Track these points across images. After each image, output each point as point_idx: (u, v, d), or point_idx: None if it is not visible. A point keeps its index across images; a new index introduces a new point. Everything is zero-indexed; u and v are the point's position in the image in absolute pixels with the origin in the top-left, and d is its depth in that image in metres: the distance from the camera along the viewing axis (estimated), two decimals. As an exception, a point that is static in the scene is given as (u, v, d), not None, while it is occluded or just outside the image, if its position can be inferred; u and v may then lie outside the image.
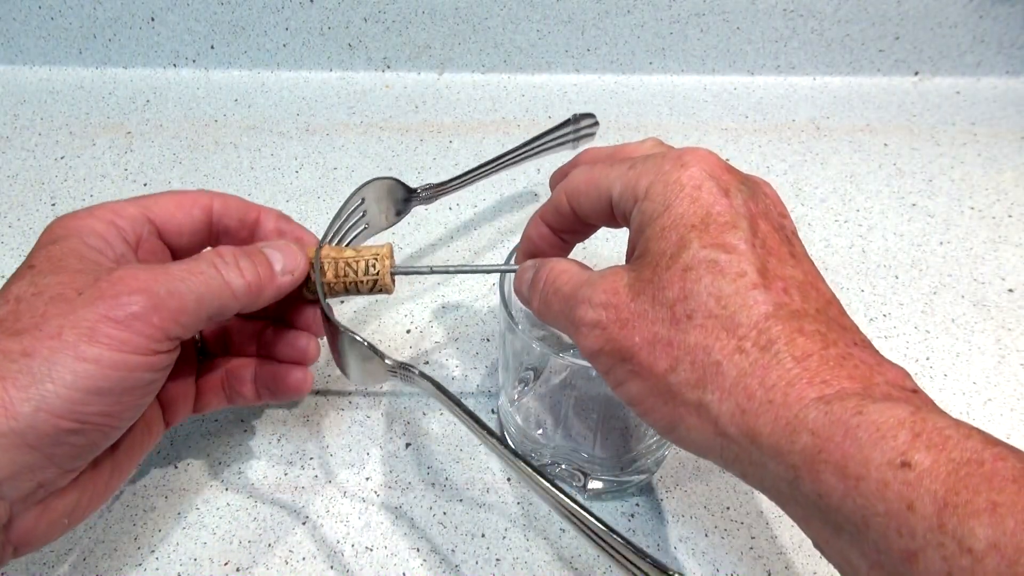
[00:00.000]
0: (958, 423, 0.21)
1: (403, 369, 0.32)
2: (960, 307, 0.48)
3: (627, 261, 0.28)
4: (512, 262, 0.37)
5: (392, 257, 0.34)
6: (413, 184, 0.43)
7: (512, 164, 0.49)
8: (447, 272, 0.37)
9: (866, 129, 0.64)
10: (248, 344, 0.37)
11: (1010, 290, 0.50)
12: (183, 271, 0.28)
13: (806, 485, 0.22)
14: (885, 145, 0.62)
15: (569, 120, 0.51)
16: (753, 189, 0.27)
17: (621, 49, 0.67)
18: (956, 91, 0.68)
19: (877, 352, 0.24)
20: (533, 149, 0.50)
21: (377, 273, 0.33)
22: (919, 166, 0.60)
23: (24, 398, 0.24)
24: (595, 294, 0.26)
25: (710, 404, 0.24)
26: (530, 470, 0.28)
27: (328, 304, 0.33)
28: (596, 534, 0.26)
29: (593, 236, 0.34)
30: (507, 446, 0.29)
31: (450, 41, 0.66)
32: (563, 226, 0.32)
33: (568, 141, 0.52)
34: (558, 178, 0.36)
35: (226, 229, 0.35)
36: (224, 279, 0.29)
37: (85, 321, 0.25)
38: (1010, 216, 0.55)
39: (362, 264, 0.34)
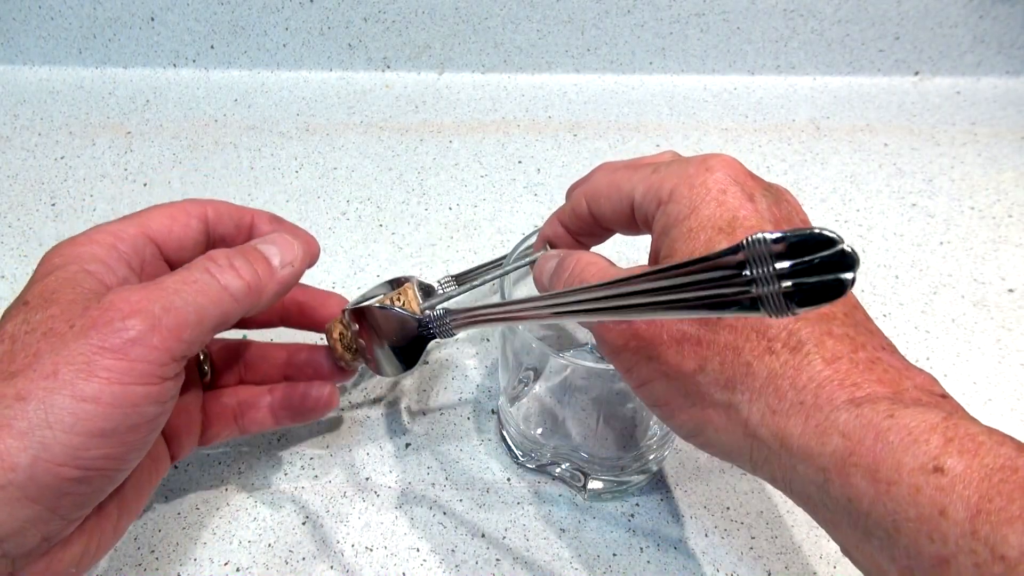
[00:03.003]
0: (990, 430, 0.21)
1: (436, 320, 0.31)
2: (960, 307, 0.48)
3: (650, 263, 0.28)
4: (513, 261, 0.37)
5: (416, 291, 0.34)
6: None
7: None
8: (473, 287, 0.37)
9: (866, 129, 0.64)
10: (264, 375, 0.36)
11: (1010, 290, 0.50)
12: (176, 283, 0.27)
13: (836, 489, 0.21)
14: (885, 145, 0.62)
15: None
16: (776, 195, 0.27)
17: (621, 49, 0.67)
18: (956, 91, 0.67)
19: (903, 357, 0.24)
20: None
21: (402, 304, 0.33)
22: (919, 166, 0.60)
23: (22, 447, 0.23)
24: None
25: (740, 405, 0.24)
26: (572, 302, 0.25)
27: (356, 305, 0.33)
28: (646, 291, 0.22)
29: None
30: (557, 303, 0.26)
31: (450, 41, 0.66)
32: (580, 228, 0.32)
33: None
34: (572, 191, 0.36)
35: (222, 237, 0.33)
36: (221, 284, 0.27)
37: (80, 355, 0.24)
38: (1010, 216, 0.55)
39: (387, 300, 0.34)
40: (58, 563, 0.26)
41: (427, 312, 0.32)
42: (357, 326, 0.34)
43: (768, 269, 0.18)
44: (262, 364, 0.36)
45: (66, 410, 0.23)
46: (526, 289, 0.41)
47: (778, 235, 0.18)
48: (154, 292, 0.26)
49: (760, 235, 0.18)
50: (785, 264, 0.18)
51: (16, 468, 0.23)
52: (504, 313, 0.28)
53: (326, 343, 0.36)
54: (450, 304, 0.47)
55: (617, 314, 0.23)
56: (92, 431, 0.24)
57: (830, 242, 0.17)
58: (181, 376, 0.27)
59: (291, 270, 0.30)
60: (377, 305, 0.32)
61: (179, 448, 0.33)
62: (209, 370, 0.35)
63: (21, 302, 0.26)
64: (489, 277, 0.38)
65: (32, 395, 0.23)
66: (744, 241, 0.18)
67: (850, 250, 0.17)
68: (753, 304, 0.18)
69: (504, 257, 0.45)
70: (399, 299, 0.34)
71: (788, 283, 0.17)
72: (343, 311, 0.35)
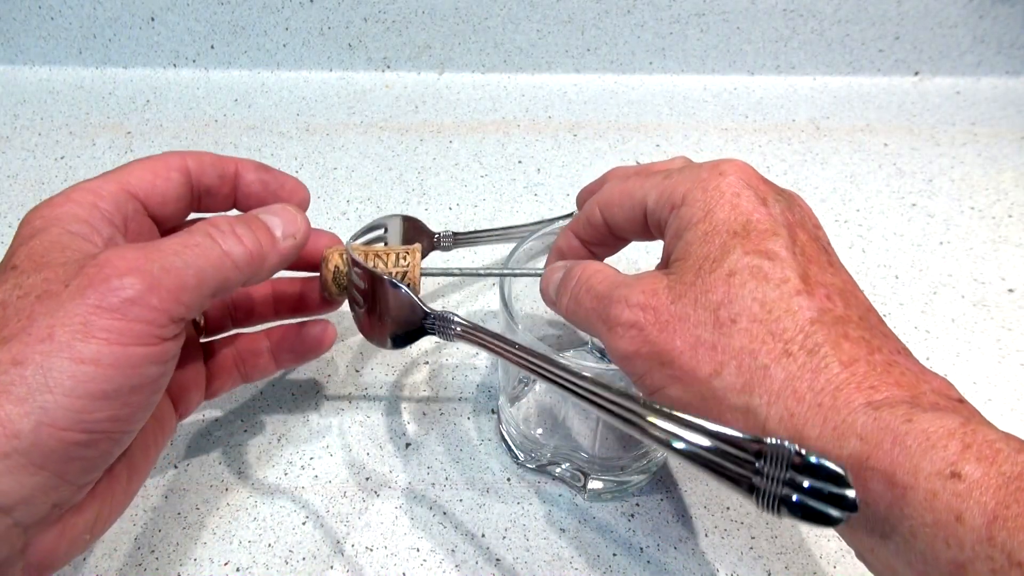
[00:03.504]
0: (1008, 436, 0.21)
1: (441, 320, 0.31)
2: (960, 307, 0.48)
3: (661, 266, 0.28)
4: (512, 262, 0.37)
5: (419, 252, 0.34)
6: (433, 217, 0.43)
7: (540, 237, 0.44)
8: (477, 275, 0.37)
9: (866, 129, 0.64)
10: (255, 314, 0.36)
11: (1010, 290, 0.50)
12: (176, 244, 0.26)
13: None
14: (885, 145, 0.62)
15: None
16: (789, 200, 0.28)
17: (621, 49, 0.67)
18: (956, 91, 0.68)
19: (918, 361, 0.24)
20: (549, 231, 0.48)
21: (408, 265, 0.33)
22: (919, 166, 0.60)
23: (23, 413, 0.22)
24: (632, 294, 0.26)
25: (758, 408, 0.23)
26: (590, 384, 0.25)
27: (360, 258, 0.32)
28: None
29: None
30: (563, 366, 0.26)
31: (450, 41, 0.66)
32: (594, 239, 0.32)
33: None
34: (585, 196, 0.36)
35: (207, 189, 0.32)
36: (223, 249, 0.27)
37: (76, 316, 0.23)
38: (1010, 216, 0.55)
39: (392, 257, 0.33)
40: (71, 529, 0.25)
41: (435, 310, 0.32)
42: (361, 282, 0.33)
43: (779, 473, 0.19)
44: (250, 302, 0.36)
45: (65, 373, 0.22)
46: (525, 292, 0.41)
47: (802, 451, 0.19)
48: (153, 252, 0.25)
49: (786, 444, 0.19)
50: (794, 476, 0.19)
51: (19, 435, 0.22)
52: (511, 353, 0.28)
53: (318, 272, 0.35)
54: (442, 279, 0.47)
55: (622, 423, 0.23)
56: (94, 393, 0.23)
57: (843, 481, 0.19)
58: (181, 336, 0.27)
59: (293, 242, 0.30)
60: (387, 278, 0.31)
61: (186, 406, 0.32)
62: (201, 317, 0.35)
63: (8, 267, 0.25)
64: (492, 271, 0.38)
65: (29, 359, 0.22)
66: (770, 440, 0.20)
67: (854, 498, 0.19)
68: (749, 489, 0.20)
69: (508, 227, 0.45)
70: (405, 258, 0.33)
71: (789, 492, 0.19)
72: (347, 247, 0.34)
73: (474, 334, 0.30)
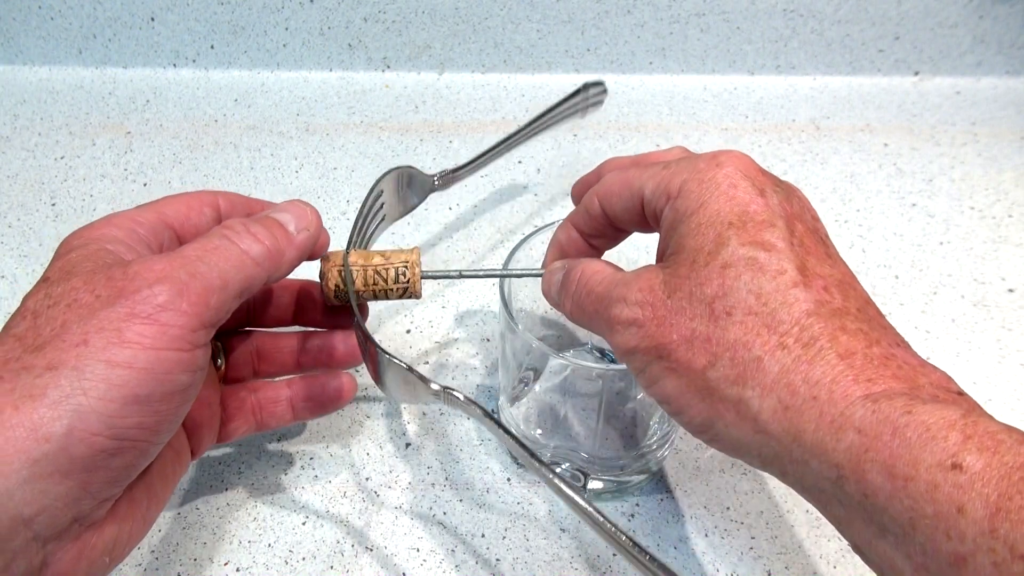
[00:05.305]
0: (1010, 428, 0.20)
1: (448, 393, 0.30)
2: (960, 307, 0.48)
3: (658, 261, 0.28)
4: (512, 261, 0.37)
5: (420, 263, 0.34)
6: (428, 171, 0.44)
7: (523, 141, 0.48)
8: (476, 276, 0.37)
9: (866, 129, 0.64)
10: (278, 364, 0.36)
11: (1010, 290, 0.50)
12: (197, 250, 0.27)
13: (851, 485, 0.21)
14: (885, 145, 0.62)
15: (579, 89, 0.51)
16: (787, 191, 0.28)
17: (621, 49, 0.67)
18: (956, 91, 0.67)
19: (917, 354, 0.24)
20: (544, 123, 0.49)
21: (408, 281, 0.33)
22: (919, 166, 0.60)
23: (55, 416, 0.22)
24: (630, 292, 0.26)
25: (750, 400, 0.23)
26: (582, 503, 0.28)
27: (362, 323, 0.32)
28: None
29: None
30: (562, 479, 0.28)
31: (450, 41, 0.66)
32: (593, 230, 0.32)
33: (577, 111, 0.51)
34: (580, 188, 0.36)
35: None
36: (241, 248, 0.28)
37: (110, 323, 0.24)
38: (1010, 216, 0.55)
39: (391, 272, 0.33)
40: (91, 550, 0.25)
41: (448, 389, 0.31)
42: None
43: None
44: (274, 353, 0.36)
45: (99, 376, 0.23)
46: (525, 292, 0.41)
47: None
48: (176, 260, 0.26)
49: None
50: None
51: (50, 438, 0.22)
52: (520, 452, 0.30)
53: (320, 284, 0.34)
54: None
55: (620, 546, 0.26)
56: (127, 397, 0.24)
57: None
58: (208, 349, 0.27)
59: (307, 234, 0.31)
60: (380, 351, 0.31)
61: (199, 443, 0.32)
62: (223, 362, 0.35)
63: (42, 279, 0.26)
64: (493, 272, 0.37)
65: (64, 363, 0.23)
66: None
67: None
68: None
69: (500, 144, 0.46)
70: (404, 274, 0.33)
71: None
72: (344, 257, 0.33)
73: (478, 413, 0.30)
